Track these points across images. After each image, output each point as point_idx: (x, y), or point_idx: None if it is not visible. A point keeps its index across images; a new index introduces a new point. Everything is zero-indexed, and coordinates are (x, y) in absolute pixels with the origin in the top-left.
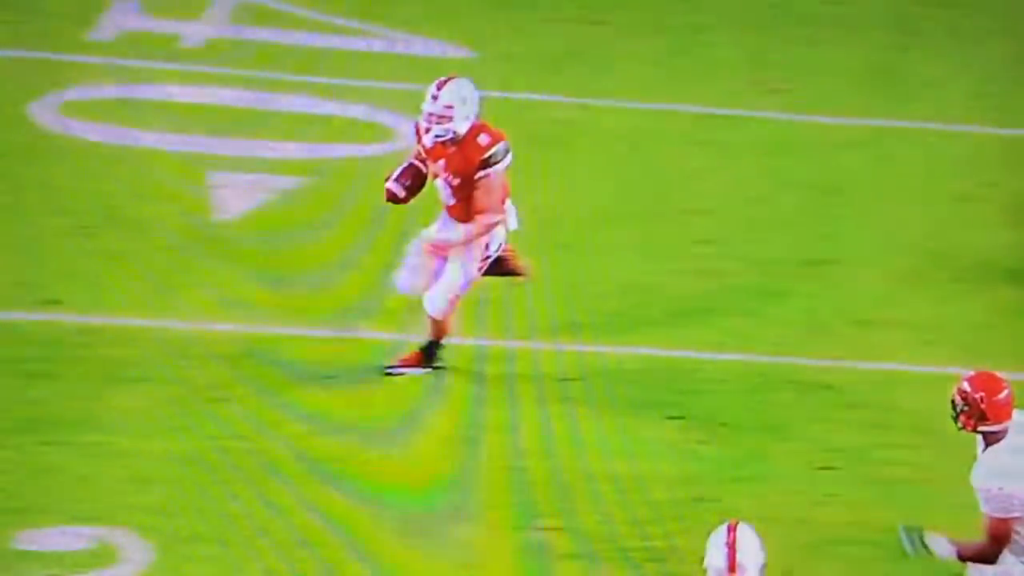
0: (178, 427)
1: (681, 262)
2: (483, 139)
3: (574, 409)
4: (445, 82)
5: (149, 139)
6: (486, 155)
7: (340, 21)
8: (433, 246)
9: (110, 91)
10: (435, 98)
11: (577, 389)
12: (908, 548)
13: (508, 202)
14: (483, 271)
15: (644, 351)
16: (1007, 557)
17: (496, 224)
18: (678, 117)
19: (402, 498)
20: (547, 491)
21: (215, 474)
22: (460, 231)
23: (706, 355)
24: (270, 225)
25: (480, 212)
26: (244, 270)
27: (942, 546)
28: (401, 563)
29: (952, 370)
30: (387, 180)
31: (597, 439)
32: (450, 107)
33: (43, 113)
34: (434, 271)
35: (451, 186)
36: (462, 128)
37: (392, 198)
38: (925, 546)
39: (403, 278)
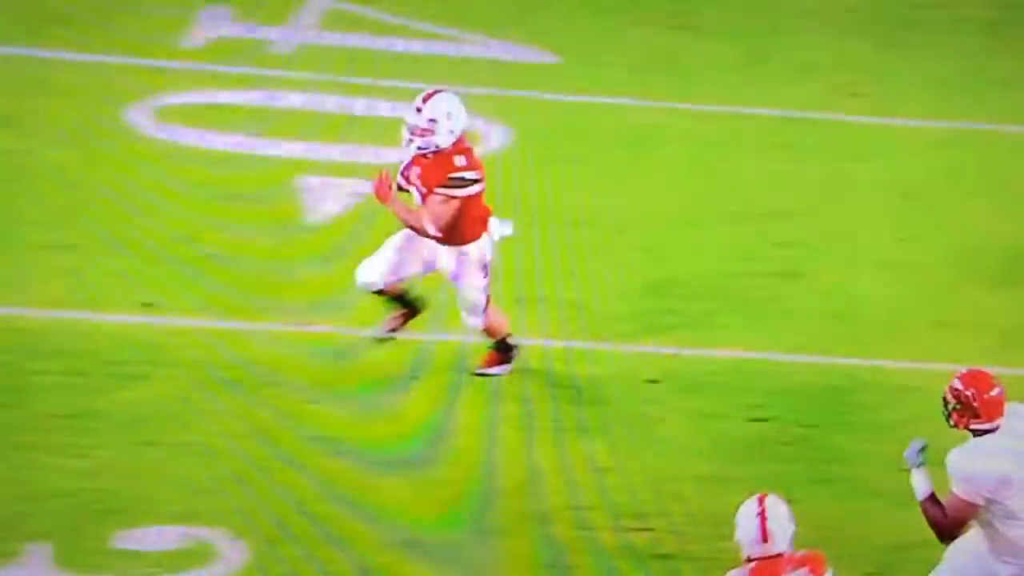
0: (273, 428)
1: (762, 264)
2: (459, 160)
3: (659, 410)
4: (431, 95)
5: (240, 143)
6: (453, 175)
7: (427, 26)
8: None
9: (203, 96)
10: (419, 111)
11: (662, 390)
12: (908, 458)
13: (492, 219)
14: (487, 272)
15: (727, 353)
16: (989, 559)
17: (425, 232)
18: (759, 120)
19: (488, 498)
20: (632, 492)
21: (309, 475)
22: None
23: (788, 357)
24: (359, 228)
25: (425, 211)
26: (333, 273)
27: (921, 484)
28: (489, 562)
29: None
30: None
31: (682, 440)
32: (433, 120)
33: (138, 118)
34: (401, 266)
35: (420, 194)
36: (445, 142)
37: (398, 188)
38: (912, 472)
39: (362, 270)
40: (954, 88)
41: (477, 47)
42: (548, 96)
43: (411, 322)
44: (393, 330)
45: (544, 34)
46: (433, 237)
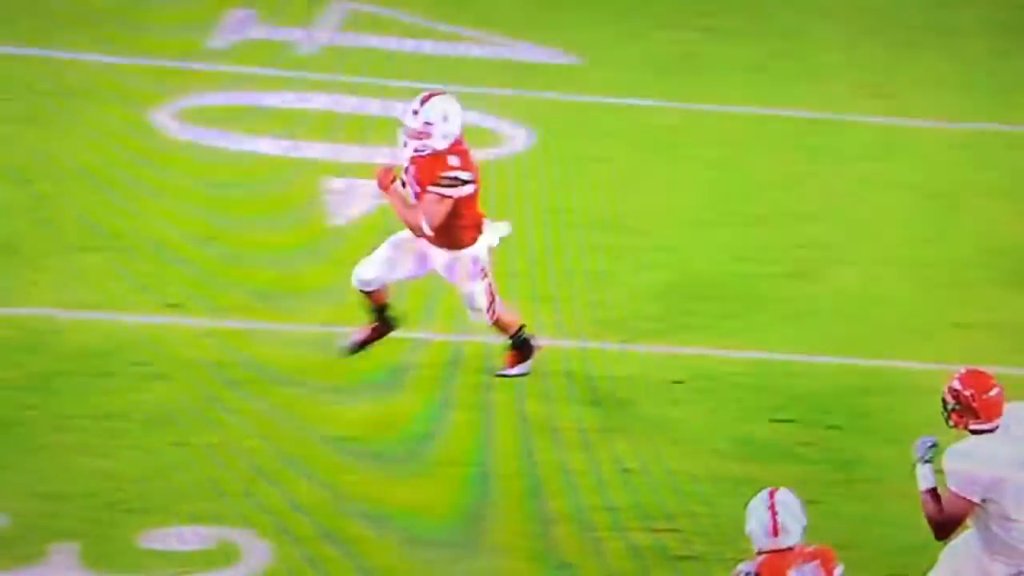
0: (297, 428)
1: (785, 265)
2: (453, 160)
3: (682, 411)
4: (428, 98)
5: (265, 145)
6: (444, 174)
7: (450, 28)
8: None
9: (227, 98)
10: (415, 113)
11: (685, 391)
12: (916, 453)
13: (487, 222)
14: (486, 273)
15: (749, 354)
16: (985, 559)
17: (419, 230)
18: (781, 121)
19: (514, 499)
20: (658, 493)
21: (333, 475)
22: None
23: (810, 358)
24: (383, 230)
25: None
26: None
27: (926, 479)
28: (517, 562)
29: None
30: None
31: (704, 441)
32: (430, 124)
33: (163, 119)
34: (398, 267)
35: (415, 193)
36: (441, 145)
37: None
38: (918, 464)
39: (359, 268)
40: (975, 89)
41: (501, 49)
42: (571, 97)
43: (378, 341)
44: (361, 344)
45: (567, 36)
46: (426, 236)
